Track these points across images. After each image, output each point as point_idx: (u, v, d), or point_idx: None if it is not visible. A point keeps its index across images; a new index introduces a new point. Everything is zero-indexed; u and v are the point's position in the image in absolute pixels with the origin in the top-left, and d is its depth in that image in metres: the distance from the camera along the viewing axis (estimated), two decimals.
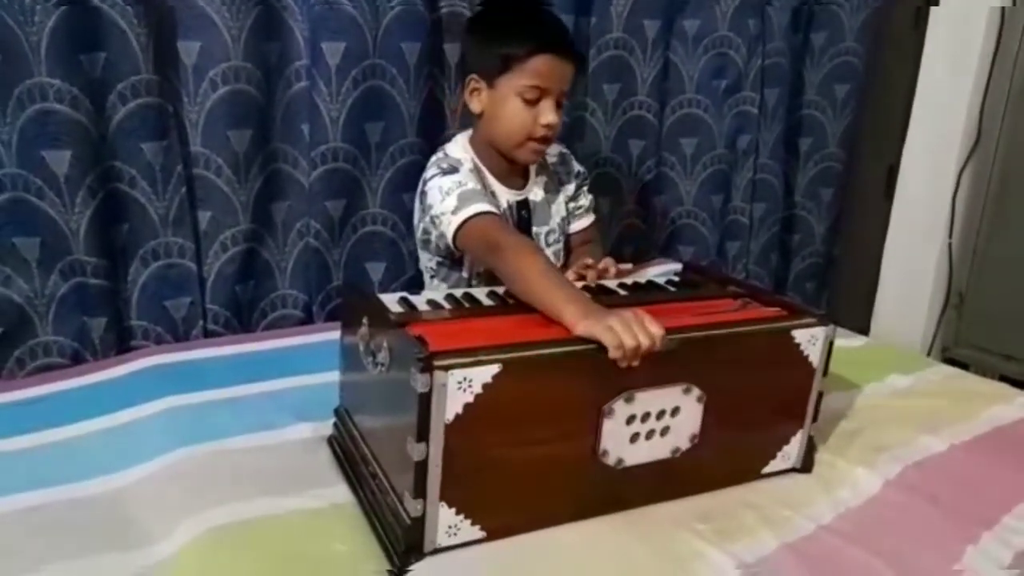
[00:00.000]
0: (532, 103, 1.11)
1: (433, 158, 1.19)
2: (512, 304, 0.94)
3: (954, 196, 1.67)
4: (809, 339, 0.88)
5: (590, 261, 1.11)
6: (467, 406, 0.71)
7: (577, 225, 1.32)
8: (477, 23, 1.20)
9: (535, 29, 1.11)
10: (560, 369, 0.76)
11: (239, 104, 1.21)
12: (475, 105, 1.16)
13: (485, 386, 0.71)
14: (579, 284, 1.02)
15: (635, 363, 0.75)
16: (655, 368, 0.77)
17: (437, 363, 0.70)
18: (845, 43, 1.70)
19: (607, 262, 1.12)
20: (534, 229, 1.24)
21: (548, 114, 1.11)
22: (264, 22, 1.21)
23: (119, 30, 1.09)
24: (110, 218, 1.17)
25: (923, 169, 1.71)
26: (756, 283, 1.63)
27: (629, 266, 1.13)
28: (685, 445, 0.84)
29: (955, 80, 1.62)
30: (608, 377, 0.77)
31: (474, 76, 1.14)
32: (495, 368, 0.71)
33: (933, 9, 1.63)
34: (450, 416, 0.70)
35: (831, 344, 0.89)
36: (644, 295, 1.02)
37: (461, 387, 0.70)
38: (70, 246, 1.13)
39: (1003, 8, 1.56)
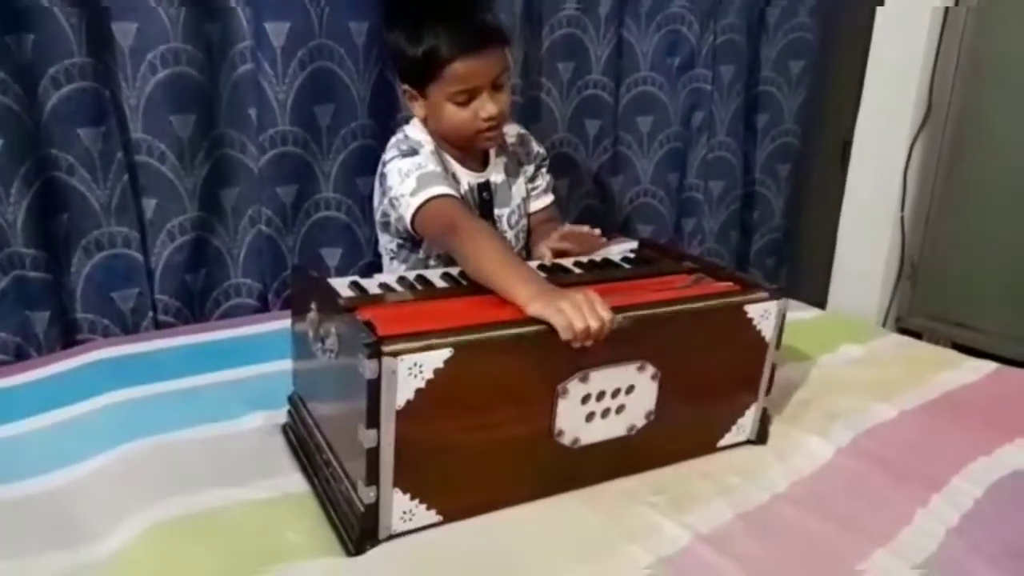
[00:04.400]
0: (467, 103, 1.09)
1: (393, 139, 1.17)
2: (466, 286, 0.93)
3: (905, 169, 1.69)
4: (762, 314, 0.88)
5: (561, 235, 1.11)
6: (418, 392, 0.69)
7: (536, 205, 1.31)
8: (391, 29, 1.13)
9: (444, 34, 1.05)
10: (512, 351, 0.75)
11: (181, 88, 1.17)
12: (417, 111, 1.14)
13: (436, 371, 0.70)
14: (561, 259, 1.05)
15: (588, 343, 0.75)
16: (609, 347, 0.77)
17: (386, 348, 0.68)
18: (799, 19, 1.71)
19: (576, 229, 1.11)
20: (496, 211, 1.23)
21: (486, 107, 1.09)
22: (203, 2, 1.17)
23: (46, 10, 1.05)
24: (48, 208, 1.13)
25: (875, 143, 1.73)
26: (711, 259, 1.64)
27: (597, 231, 1.13)
28: (641, 422, 0.84)
29: (905, 52, 1.65)
30: (561, 357, 0.76)
31: (406, 87, 1.13)
32: (446, 352, 0.70)
33: (879, 9, 1.64)
34: (401, 402, 0.69)
35: (784, 317, 0.90)
36: (599, 273, 1.02)
37: (412, 373, 0.68)
38: (7, 238, 1.09)
39: (946, 8, 1.58)
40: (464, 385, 0.71)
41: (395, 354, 0.67)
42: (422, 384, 0.69)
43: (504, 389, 0.75)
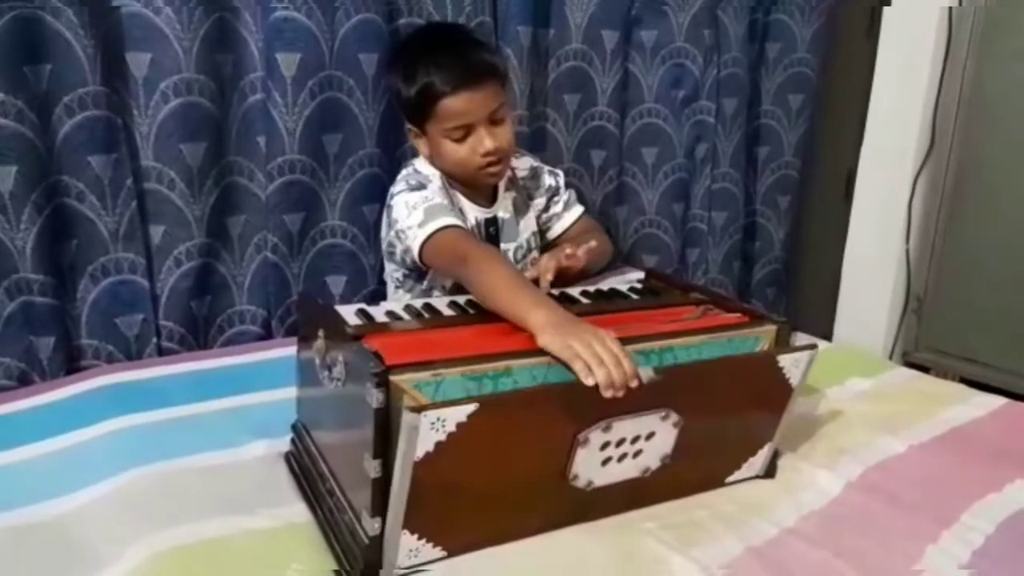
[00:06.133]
0: (463, 139, 1.10)
1: (403, 172, 1.18)
2: (473, 314, 0.93)
3: (910, 202, 1.70)
4: (793, 362, 0.86)
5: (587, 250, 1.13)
6: (438, 444, 0.67)
7: (566, 221, 1.31)
8: (389, 73, 1.17)
9: (435, 71, 1.07)
10: (537, 404, 0.73)
11: (192, 117, 1.19)
12: (422, 149, 1.16)
13: (459, 424, 0.67)
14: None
15: (619, 394, 0.73)
16: (635, 397, 0.75)
17: (395, 379, 0.68)
18: (798, 54, 1.74)
19: (570, 250, 1.12)
20: (502, 246, 1.24)
21: (484, 142, 1.10)
22: (217, 33, 1.19)
23: (64, 41, 1.06)
24: (57, 234, 1.13)
25: (879, 175, 1.74)
26: (717, 290, 1.64)
27: (592, 244, 1.15)
28: (656, 465, 0.83)
29: (908, 86, 1.66)
30: (586, 407, 0.74)
31: (409, 126, 1.16)
32: (471, 408, 0.67)
33: (886, 10, 1.66)
34: (420, 454, 0.67)
35: (811, 364, 0.88)
36: (606, 303, 1.02)
37: (434, 427, 0.66)
38: (15, 264, 1.09)
39: (950, 8, 1.60)
40: (485, 436, 0.69)
41: (419, 410, 0.65)
42: (443, 437, 0.67)
43: (524, 439, 0.73)
